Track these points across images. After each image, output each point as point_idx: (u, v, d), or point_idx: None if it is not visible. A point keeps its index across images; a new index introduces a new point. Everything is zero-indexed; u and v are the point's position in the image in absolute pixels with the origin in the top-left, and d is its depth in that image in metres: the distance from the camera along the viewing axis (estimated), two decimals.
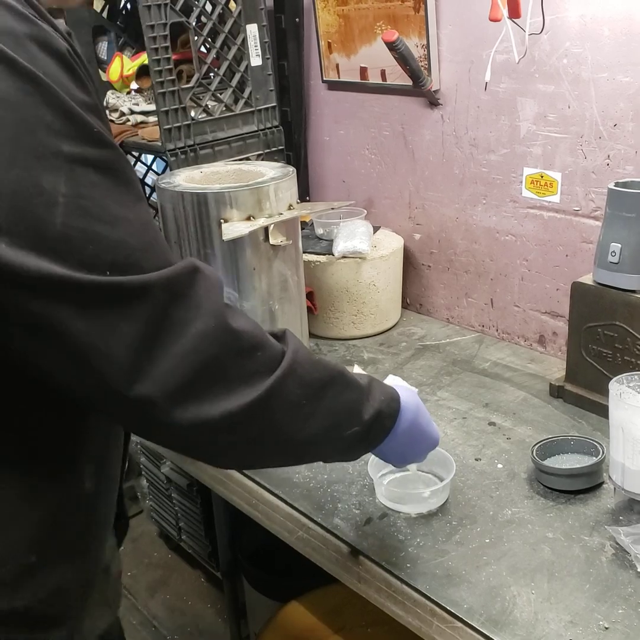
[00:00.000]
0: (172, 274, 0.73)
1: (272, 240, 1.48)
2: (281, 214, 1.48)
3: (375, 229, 1.91)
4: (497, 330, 1.83)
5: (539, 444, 1.31)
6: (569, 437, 1.33)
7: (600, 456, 1.26)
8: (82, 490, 0.89)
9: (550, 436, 1.34)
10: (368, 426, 0.93)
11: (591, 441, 1.31)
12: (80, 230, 0.68)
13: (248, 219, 1.46)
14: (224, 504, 1.65)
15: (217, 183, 1.54)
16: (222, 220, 1.44)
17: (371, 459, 1.28)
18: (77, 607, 0.94)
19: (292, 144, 2.04)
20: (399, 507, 1.23)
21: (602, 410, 1.33)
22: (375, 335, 1.86)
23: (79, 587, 0.93)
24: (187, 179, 1.55)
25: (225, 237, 1.41)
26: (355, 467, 1.34)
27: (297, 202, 1.54)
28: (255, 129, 1.84)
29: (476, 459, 1.35)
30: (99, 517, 0.95)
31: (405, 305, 2.00)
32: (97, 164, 0.70)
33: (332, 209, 1.86)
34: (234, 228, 1.42)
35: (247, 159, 1.83)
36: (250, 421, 0.79)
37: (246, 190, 1.45)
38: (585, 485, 1.24)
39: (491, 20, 1.43)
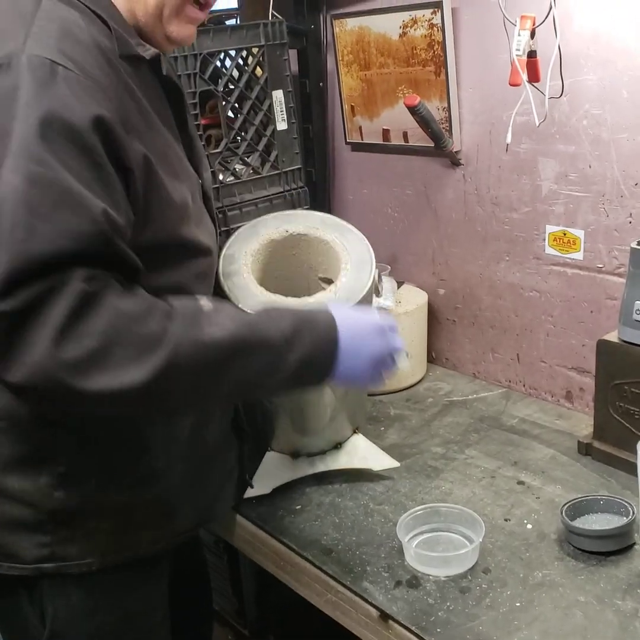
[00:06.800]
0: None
1: None
2: None
3: (399, 284, 1.93)
4: (524, 385, 1.83)
5: (568, 504, 1.30)
6: (599, 497, 1.32)
7: (630, 517, 1.25)
8: None
9: (579, 496, 1.33)
10: (296, 373, 0.99)
11: (621, 501, 1.30)
12: None
13: None
14: (251, 561, 1.64)
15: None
16: None
17: (400, 521, 1.28)
18: None
19: (317, 204, 2.08)
20: (428, 569, 1.23)
21: (632, 468, 1.32)
22: (401, 390, 1.87)
23: None
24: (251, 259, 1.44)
25: None
26: (384, 529, 1.34)
27: None
28: (281, 190, 1.88)
29: (505, 520, 1.35)
30: None
31: (431, 360, 2.01)
32: None
33: None
34: None
35: None
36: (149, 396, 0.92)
37: None
38: (616, 546, 1.23)
39: (511, 85, 1.47)
